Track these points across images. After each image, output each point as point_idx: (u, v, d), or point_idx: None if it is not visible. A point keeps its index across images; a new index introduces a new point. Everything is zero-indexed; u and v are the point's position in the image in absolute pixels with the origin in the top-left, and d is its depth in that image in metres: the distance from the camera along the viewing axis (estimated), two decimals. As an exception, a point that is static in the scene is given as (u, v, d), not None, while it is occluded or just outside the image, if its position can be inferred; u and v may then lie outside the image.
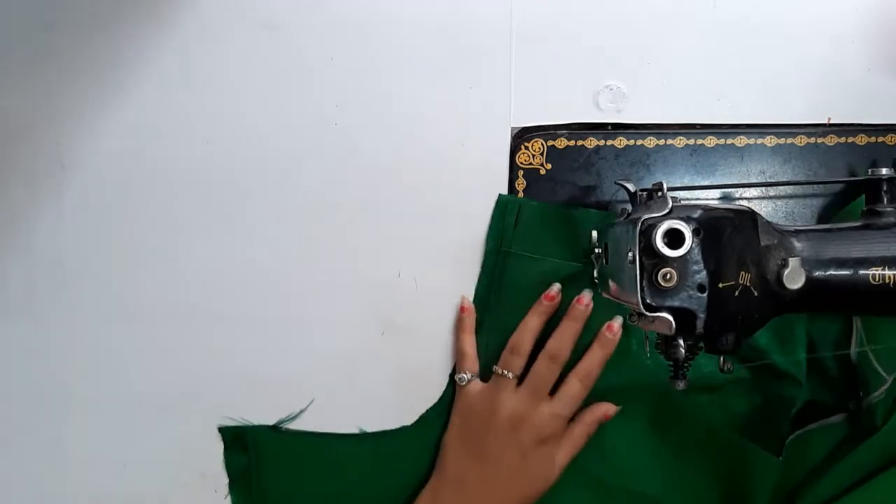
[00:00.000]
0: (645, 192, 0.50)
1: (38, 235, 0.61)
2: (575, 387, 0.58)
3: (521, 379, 0.58)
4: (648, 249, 0.41)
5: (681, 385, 0.46)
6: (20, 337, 0.62)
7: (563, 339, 0.58)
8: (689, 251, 0.41)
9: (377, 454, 0.61)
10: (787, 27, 0.60)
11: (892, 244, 0.47)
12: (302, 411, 0.62)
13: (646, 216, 0.42)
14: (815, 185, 0.60)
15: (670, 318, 0.42)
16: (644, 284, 0.42)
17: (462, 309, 0.60)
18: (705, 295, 0.42)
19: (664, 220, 0.41)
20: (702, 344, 0.44)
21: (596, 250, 0.54)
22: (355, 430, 0.62)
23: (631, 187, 0.55)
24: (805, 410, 0.60)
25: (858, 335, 0.58)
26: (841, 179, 0.59)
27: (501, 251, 0.60)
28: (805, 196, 0.60)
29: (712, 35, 0.60)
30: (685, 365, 0.46)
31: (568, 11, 0.60)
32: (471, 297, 0.61)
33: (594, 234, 0.55)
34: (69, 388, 0.62)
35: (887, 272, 0.46)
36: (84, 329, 0.62)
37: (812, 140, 0.60)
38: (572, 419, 0.59)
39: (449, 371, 0.61)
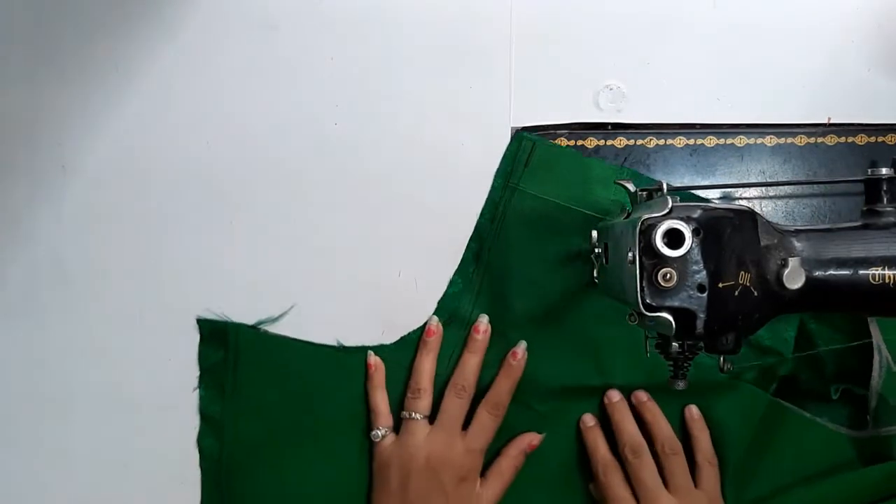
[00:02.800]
0: (645, 192, 0.50)
1: (38, 236, 0.61)
2: (485, 418, 0.58)
3: (431, 419, 0.59)
4: (648, 249, 0.41)
5: (680, 385, 0.46)
6: (20, 337, 0.62)
7: (467, 371, 0.58)
8: (688, 251, 0.41)
9: (353, 368, 0.61)
10: (786, 27, 0.60)
11: (892, 244, 0.47)
12: (283, 314, 0.61)
13: (646, 216, 0.42)
14: (814, 185, 0.60)
15: (670, 318, 0.41)
16: (644, 284, 0.42)
17: (370, 366, 0.60)
18: (705, 295, 0.42)
19: (664, 219, 0.41)
20: (701, 344, 0.44)
21: (596, 250, 0.54)
22: (333, 343, 0.61)
23: (631, 187, 0.55)
24: (786, 388, 0.60)
25: (884, 364, 0.58)
26: (841, 179, 0.59)
27: (509, 186, 0.60)
28: (805, 196, 0.60)
29: (712, 35, 0.60)
30: (685, 365, 0.46)
31: (568, 11, 0.60)
32: (469, 231, 0.60)
33: (594, 234, 0.55)
34: (69, 388, 0.62)
35: (887, 272, 0.46)
36: (84, 329, 0.62)
37: (812, 140, 0.60)
38: (499, 453, 0.59)
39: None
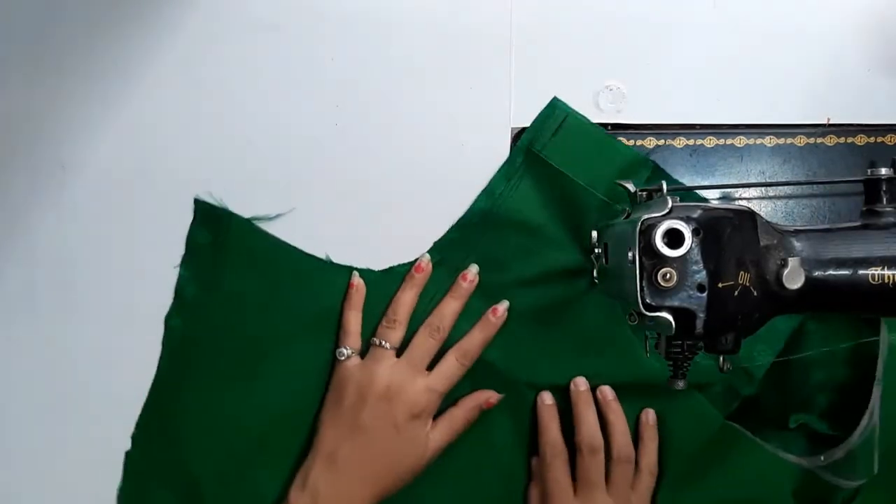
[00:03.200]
0: (645, 192, 0.50)
1: (38, 235, 0.61)
2: (451, 363, 0.58)
3: (399, 353, 0.59)
4: (648, 249, 0.41)
5: (680, 385, 0.46)
6: (20, 337, 0.62)
7: (445, 313, 0.58)
8: (688, 251, 0.41)
9: (335, 284, 0.60)
10: (786, 27, 0.60)
11: (892, 244, 0.47)
12: (280, 215, 0.61)
13: (645, 216, 0.42)
14: (814, 186, 0.60)
15: (670, 317, 0.42)
16: (644, 284, 0.42)
17: (351, 285, 0.60)
18: (705, 295, 0.42)
19: (664, 219, 0.41)
20: (701, 344, 0.44)
21: (596, 250, 0.54)
22: (322, 256, 0.61)
23: (631, 187, 0.55)
24: (748, 408, 0.60)
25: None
26: (840, 179, 0.59)
27: (531, 152, 0.60)
28: (804, 196, 0.60)
29: (712, 35, 0.60)
30: (684, 365, 0.46)
31: (568, 12, 0.60)
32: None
33: (594, 234, 0.55)
34: (69, 388, 0.62)
35: (887, 272, 0.46)
36: (84, 329, 0.62)
37: (811, 140, 0.60)
38: (454, 403, 0.59)
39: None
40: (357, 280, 0.60)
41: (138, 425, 0.61)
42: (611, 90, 0.60)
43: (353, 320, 0.59)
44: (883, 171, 0.50)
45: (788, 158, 0.60)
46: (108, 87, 0.61)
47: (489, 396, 0.59)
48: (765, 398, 0.60)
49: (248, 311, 0.60)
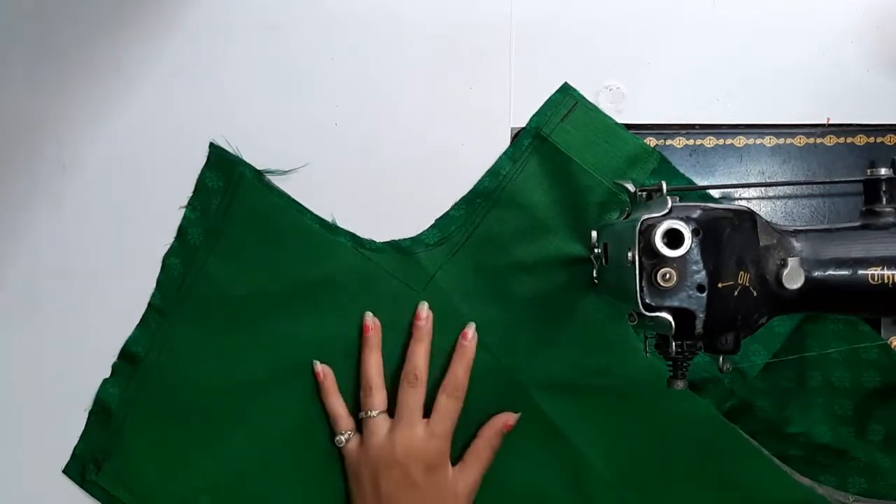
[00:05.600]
0: (644, 193, 0.50)
1: (38, 235, 0.61)
2: (445, 403, 0.58)
3: (392, 413, 0.59)
4: (648, 249, 0.41)
5: (680, 385, 0.46)
6: (20, 337, 0.62)
7: (416, 359, 0.59)
8: (688, 251, 0.41)
9: (331, 249, 0.60)
10: (786, 27, 0.60)
11: (891, 244, 0.47)
12: (292, 170, 0.61)
13: (645, 216, 0.42)
14: (814, 186, 0.60)
15: (669, 318, 0.42)
16: (643, 284, 0.42)
17: (317, 375, 0.60)
18: (704, 295, 0.42)
19: (663, 220, 0.41)
20: (701, 344, 0.44)
21: (595, 250, 0.54)
22: (328, 218, 0.61)
23: (631, 187, 0.55)
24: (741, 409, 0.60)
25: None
26: (840, 180, 0.59)
27: (539, 135, 0.60)
28: (804, 196, 0.60)
29: (711, 35, 0.60)
30: (684, 365, 0.46)
31: (568, 12, 0.60)
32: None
33: (594, 234, 0.55)
34: (69, 388, 0.62)
35: (886, 272, 0.46)
36: (84, 329, 0.62)
37: (811, 140, 0.60)
38: (474, 436, 0.59)
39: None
40: (320, 367, 0.60)
41: (121, 356, 0.61)
42: (611, 90, 0.61)
43: (337, 404, 0.60)
44: (882, 171, 0.50)
45: (788, 158, 0.60)
46: (109, 88, 0.61)
47: (507, 420, 0.59)
48: (759, 401, 0.60)
49: (245, 265, 0.60)
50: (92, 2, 0.61)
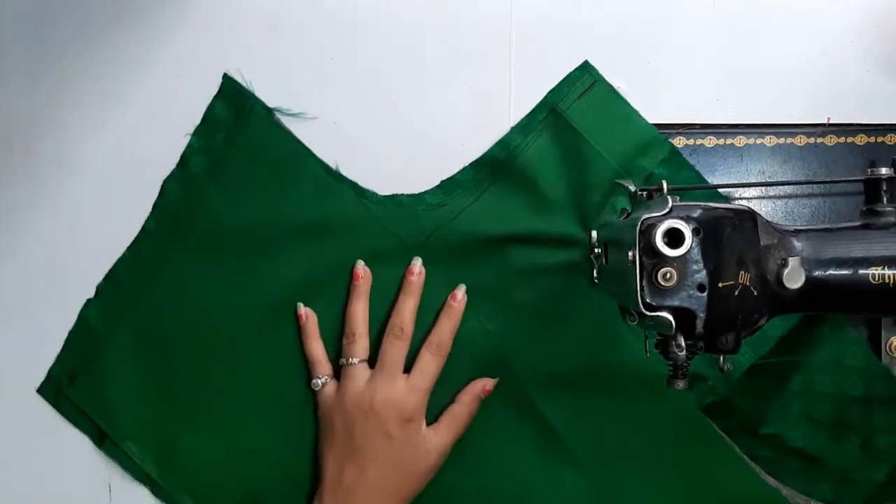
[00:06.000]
0: (645, 192, 0.50)
1: (36, 234, 0.61)
2: (427, 359, 0.58)
3: (372, 364, 0.59)
4: (648, 249, 0.41)
5: (680, 385, 0.46)
6: (20, 337, 0.62)
7: (403, 313, 0.58)
8: (688, 251, 0.41)
9: (333, 199, 0.60)
10: (786, 27, 0.60)
11: (892, 244, 0.47)
12: (301, 113, 0.60)
13: (645, 216, 0.42)
14: (814, 185, 0.60)
15: (670, 317, 0.42)
16: (644, 284, 0.42)
17: (300, 317, 0.60)
18: (705, 294, 0.42)
19: (664, 219, 0.41)
20: (701, 344, 0.44)
21: (596, 250, 0.54)
22: (332, 164, 0.61)
23: (631, 187, 0.55)
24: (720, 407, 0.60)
25: None
26: (840, 179, 0.59)
27: (555, 110, 0.60)
28: (804, 196, 0.60)
29: (712, 35, 0.60)
30: (684, 365, 0.46)
31: (568, 11, 0.60)
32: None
33: (594, 233, 0.55)
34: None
35: (887, 272, 0.46)
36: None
37: (811, 140, 0.60)
38: (452, 401, 0.59)
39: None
40: (304, 310, 0.60)
41: (108, 278, 0.61)
42: (611, 90, 0.61)
43: (316, 348, 0.60)
44: (883, 170, 0.50)
45: (788, 158, 0.60)
46: (108, 87, 0.61)
47: (485, 385, 0.59)
48: (738, 400, 0.60)
49: (243, 200, 0.60)
50: (92, 2, 0.61)
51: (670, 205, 0.43)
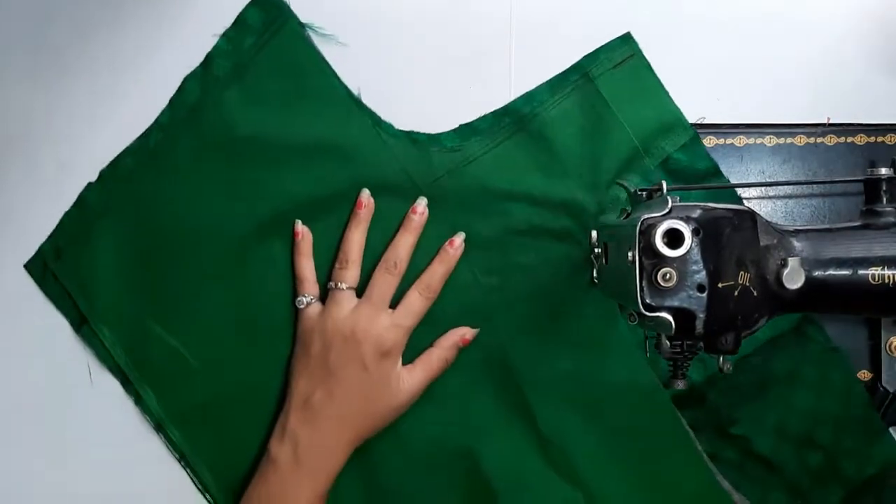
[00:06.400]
0: (644, 192, 0.50)
1: (37, 235, 0.61)
2: (415, 298, 0.58)
3: (359, 293, 0.58)
4: (648, 249, 0.41)
5: (680, 385, 0.46)
6: (19, 337, 0.62)
7: (400, 248, 0.58)
8: (688, 251, 0.41)
9: (350, 116, 0.59)
10: (786, 27, 0.60)
11: (892, 244, 0.47)
12: (332, 36, 0.60)
13: (645, 216, 0.42)
14: (814, 185, 0.60)
15: (670, 318, 0.42)
16: (643, 284, 0.42)
17: (296, 234, 0.59)
18: (705, 295, 0.42)
19: (664, 219, 0.41)
20: (701, 344, 0.44)
21: (596, 250, 0.54)
22: (355, 91, 0.60)
23: (630, 187, 0.55)
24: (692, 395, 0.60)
25: None
26: (840, 179, 0.59)
27: (587, 76, 0.59)
28: (804, 196, 0.60)
29: (712, 35, 0.60)
30: (684, 365, 0.46)
31: (568, 11, 0.60)
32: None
33: (594, 233, 0.55)
34: (69, 389, 0.62)
35: (887, 272, 0.46)
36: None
37: (811, 140, 0.60)
38: (431, 345, 0.59)
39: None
40: (301, 227, 0.59)
41: (113, 164, 0.60)
42: (611, 90, 0.60)
43: (306, 267, 0.59)
44: (883, 170, 0.50)
45: (788, 158, 0.60)
46: (108, 87, 0.61)
47: (464, 333, 0.59)
48: (712, 394, 0.60)
49: (261, 108, 0.59)
50: (92, 1, 0.61)
51: (670, 205, 0.43)
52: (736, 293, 0.43)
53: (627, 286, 0.43)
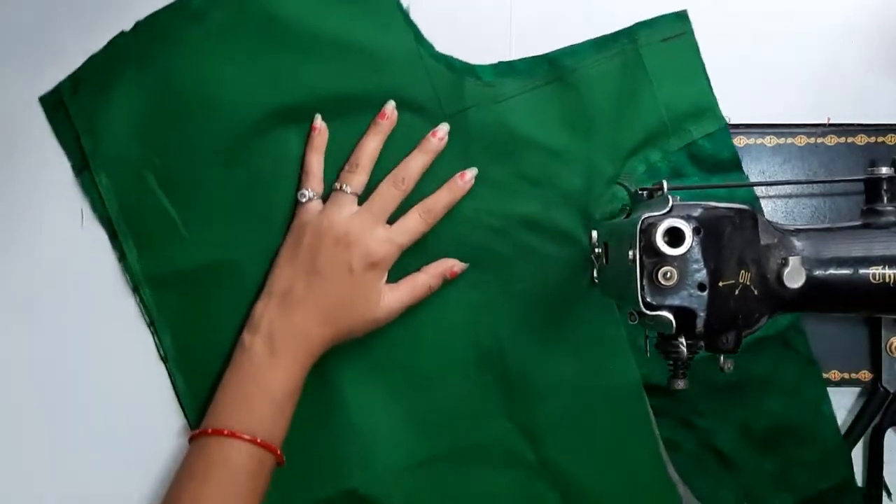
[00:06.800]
0: (645, 191, 0.50)
1: (37, 235, 0.61)
2: (414, 219, 0.57)
3: (361, 201, 0.58)
4: (649, 248, 0.41)
5: (681, 384, 0.46)
6: (20, 337, 0.61)
7: (411, 167, 0.58)
8: (689, 250, 0.41)
9: (395, 24, 0.59)
10: (786, 27, 0.60)
11: (892, 243, 0.47)
12: None
13: (646, 215, 0.42)
14: (814, 185, 0.60)
15: (670, 316, 0.42)
16: (644, 283, 0.42)
17: (314, 128, 0.59)
18: (705, 294, 0.42)
19: (664, 218, 0.41)
20: (702, 343, 0.44)
21: (596, 250, 0.54)
22: (405, 3, 0.59)
23: (631, 187, 0.55)
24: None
25: None
26: (841, 179, 0.59)
27: (634, 43, 0.59)
28: (805, 196, 0.60)
29: (712, 35, 0.60)
30: (685, 364, 0.46)
31: (567, 12, 0.60)
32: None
33: (594, 233, 0.55)
34: (69, 389, 0.61)
35: (887, 271, 0.46)
36: (84, 329, 0.61)
37: (812, 140, 0.60)
38: (419, 269, 0.58)
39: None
40: (319, 123, 0.59)
41: (149, 18, 0.59)
42: (611, 90, 0.60)
43: (316, 162, 0.59)
44: (883, 170, 0.51)
45: (789, 158, 0.60)
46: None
47: (453, 265, 0.59)
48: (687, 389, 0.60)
49: (304, 0, 0.59)
50: (92, 1, 0.61)
51: (671, 204, 0.43)
52: (737, 292, 0.43)
53: (628, 285, 0.43)
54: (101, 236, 0.61)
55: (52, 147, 0.61)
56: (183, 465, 0.55)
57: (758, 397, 0.60)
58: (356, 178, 0.58)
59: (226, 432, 0.53)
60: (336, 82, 0.59)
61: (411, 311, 0.58)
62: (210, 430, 0.54)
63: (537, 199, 0.59)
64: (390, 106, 0.58)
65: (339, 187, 0.58)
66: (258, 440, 0.53)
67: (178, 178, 0.59)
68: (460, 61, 0.59)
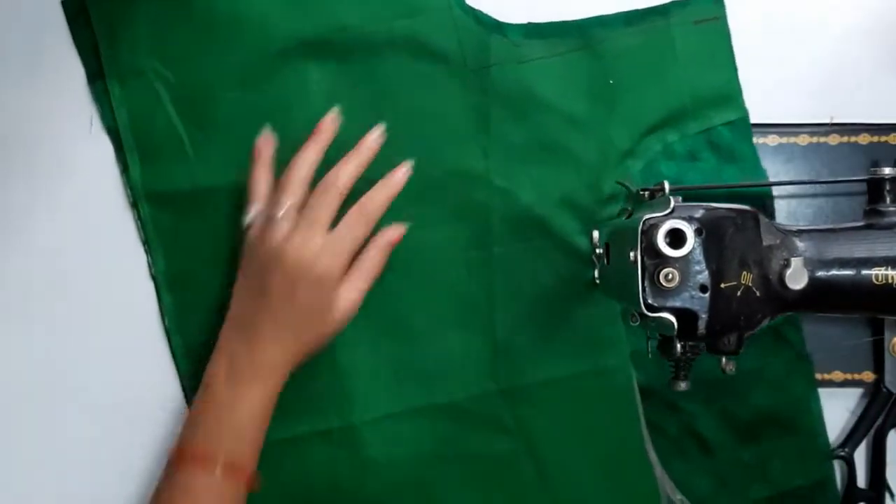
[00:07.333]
0: (646, 192, 0.50)
1: (37, 236, 0.61)
2: (353, 220, 0.56)
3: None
4: (650, 249, 0.41)
5: (682, 386, 0.46)
6: (19, 337, 0.62)
7: (343, 169, 0.56)
8: (690, 251, 0.41)
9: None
10: (789, 26, 0.60)
11: (895, 244, 0.47)
12: None
13: (648, 216, 0.42)
14: (817, 185, 0.60)
15: (672, 318, 0.41)
16: (645, 284, 0.42)
17: (259, 146, 0.57)
18: (707, 295, 0.42)
19: (666, 219, 0.41)
20: (703, 344, 0.44)
21: (597, 250, 0.54)
22: None
23: (632, 187, 0.54)
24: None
25: None
26: (844, 179, 0.59)
27: (669, 19, 0.58)
28: (807, 196, 0.60)
29: (714, 34, 0.60)
30: (686, 365, 0.46)
31: (568, 12, 0.60)
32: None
33: (595, 234, 0.55)
34: (69, 389, 0.61)
35: (890, 272, 0.46)
36: (84, 329, 0.61)
37: (814, 139, 0.60)
38: (359, 254, 0.57)
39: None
40: (266, 133, 0.58)
41: None
42: (612, 89, 0.60)
43: (262, 180, 0.57)
44: (886, 170, 0.50)
45: (791, 158, 0.60)
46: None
47: (391, 234, 0.57)
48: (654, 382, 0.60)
49: None
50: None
51: (672, 205, 0.43)
52: (738, 293, 0.43)
53: (629, 286, 0.43)
54: (107, 149, 0.60)
55: (70, 53, 0.60)
56: (154, 491, 0.54)
57: (745, 387, 0.59)
58: (288, 198, 0.55)
59: (191, 461, 0.53)
60: (366, 21, 0.58)
61: (406, 264, 0.58)
62: (177, 459, 0.53)
63: (549, 164, 0.59)
64: (330, 116, 0.57)
65: (275, 207, 0.55)
66: (223, 471, 0.52)
67: (192, 96, 0.59)
68: (489, 17, 0.59)
